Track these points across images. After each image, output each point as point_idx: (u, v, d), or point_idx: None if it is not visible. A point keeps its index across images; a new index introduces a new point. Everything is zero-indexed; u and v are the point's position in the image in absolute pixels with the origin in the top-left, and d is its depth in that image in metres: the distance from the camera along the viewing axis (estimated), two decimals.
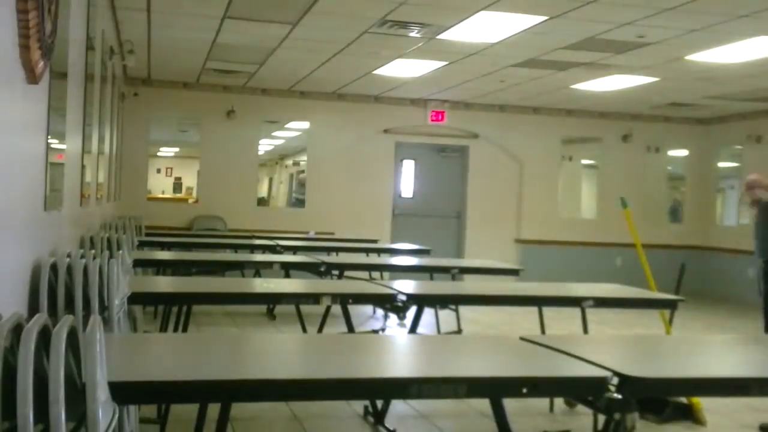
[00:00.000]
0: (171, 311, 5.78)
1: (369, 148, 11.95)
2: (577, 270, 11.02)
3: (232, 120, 11.47)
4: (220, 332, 7.41)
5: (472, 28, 7.20)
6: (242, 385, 2.29)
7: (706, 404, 5.16)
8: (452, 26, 7.18)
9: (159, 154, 19.38)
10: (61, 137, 3.80)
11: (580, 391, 2.71)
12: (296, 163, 16.76)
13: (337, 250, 9.05)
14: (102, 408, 1.55)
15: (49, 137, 3.22)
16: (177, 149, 19.93)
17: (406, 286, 4.82)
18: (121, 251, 4.68)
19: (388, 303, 4.58)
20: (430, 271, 7.36)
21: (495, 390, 2.67)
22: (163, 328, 5.74)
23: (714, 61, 8.18)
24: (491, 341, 3.54)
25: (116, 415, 1.67)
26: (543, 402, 4.96)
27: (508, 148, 12.47)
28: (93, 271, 2.95)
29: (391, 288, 4.59)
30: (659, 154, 13.01)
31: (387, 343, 3.99)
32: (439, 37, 7.59)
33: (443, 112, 12.16)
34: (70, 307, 2.86)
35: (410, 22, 7.11)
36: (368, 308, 8.60)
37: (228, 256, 8.31)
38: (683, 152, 13.29)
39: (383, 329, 7.99)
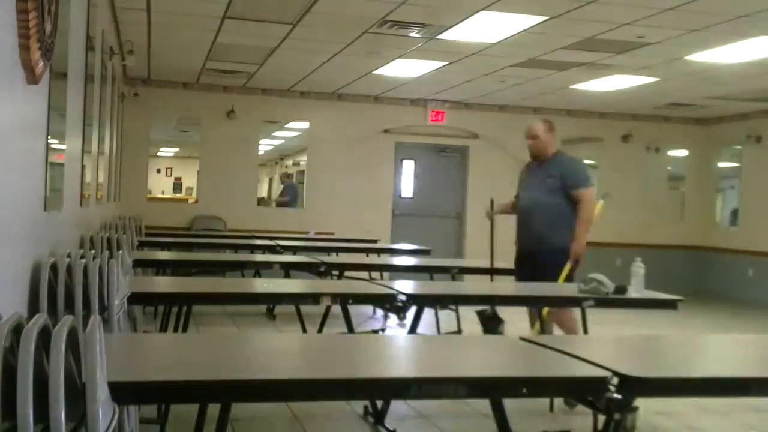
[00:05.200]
0: (171, 311, 5.78)
1: (369, 148, 11.95)
2: (577, 270, 11.03)
3: (232, 120, 11.47)
4: (220, 332, 7.41)
5: (472, 28, 7.20)
6: (242, 385, 2.29)
7: (706, 404, 5.17)
8: (452, 26, 7.18)
9: (159, 154, 19.42)
10: (61, 137, 3.80)
11: (580, 391, 2.71)
12: (296, 163, 16.78)
13: (337, 250, 9.05)
14: (102, 408, 1.55)
15: (49, 137, 3.22)
16: (177, 149, 19.96)
17: (406, 286, 4.82)
18: (121, 251, 4.67)
19: (388, 303, 4.58)
20: (430, 271, 7.36)
21: (495, 390, 2.67)
22: (163, 328, 5.74)
23: (714, 61, 8.17)
24: (491, 341, 3.54)
25: (116, 415, 1.67)
26: (543, 402, 4.95)
27: (508, 148, 12.46)
28: (93, 271, 2.95)
29: (391, 288, 4.58)
30: (659, 154, 13.02)
31: (387, 343, 3.99)
32: (439, 37, 7.59)
33: (443, 112, 12.16)
34: (70, 307, 2.85)
35: (410, 22, 7.11)
36: (368, 308, 8.60)
37: (228, 256, 8.31)
38: (683, 152, 13.29)
39: (383, 329, 7.98)
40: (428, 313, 7.17)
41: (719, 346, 3.76)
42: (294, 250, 8.36)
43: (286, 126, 13.94)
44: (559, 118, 12.38)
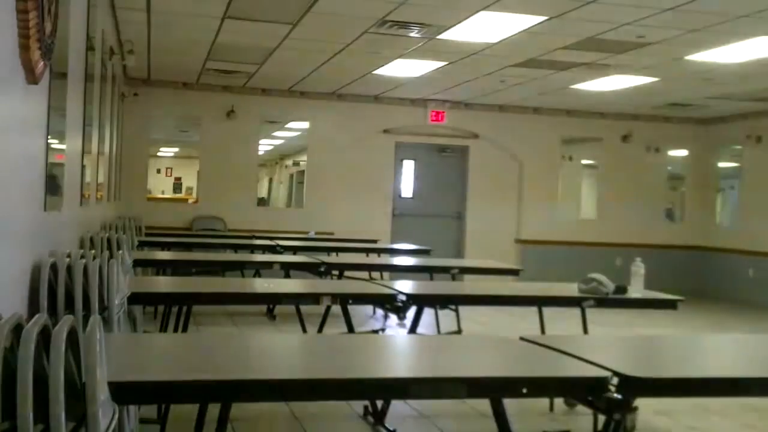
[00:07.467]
0: (171, 311, 5.78)
1: (369, 148, 11.95)
2: (577, 270, 11.06)
3: (232, 120, 11.47)
4: (220, 332, 7.41)
5: (472, 28, 7.20)
6: (242, 385, 2.29)
7: (706, 404, 5.17)
8: (452, 26, 7.17)
9: (159, 154, 19.43)
10: (61, 137, 3.80)
11: (580, 391, 2.71)
12: (296, 163, 16.78)
13: (337, 250, 9.05)
14: (102, 408, 1.55)
15: (49, 137, 3.22)
16: (177, 149, 19.96)
17: (406, 286, 4.82)
18: (121, 251, 4.68)
19: (388, 303, 4.58)
20: (430, 271, 7.36)
21: (495, 390, 2.67)
22: (163, 328, 5.74)
23: (714, 61, 8.17)
24: (491, 341, 3.54)
25: (116, 415, 1.67)
26: (543, 402, 4.95)
27: (508, 148, 12.46)
28: (93, 271, 2.95)
29: (391, 288, 4.58)
30: (659, 154, 13.01)
31: (387, 343, 3.99)
32: (439, 37, 7.59)
33: (443, 112, 12.15)
34: (70, 307, 2.86)
35: (410, 22, 7.10)
36: (368, 308, 8.60)
37: (228, 256, 8.31)
38: (683, 152, 13.29)
39: (383, 329, 7.99)
40: (428, 313, 7.18)
41: (719, 346, 3.76)
42: (294, 250, 8.36)
43: (286, 126, 13.94)
44: (559, 118, 12.42)
